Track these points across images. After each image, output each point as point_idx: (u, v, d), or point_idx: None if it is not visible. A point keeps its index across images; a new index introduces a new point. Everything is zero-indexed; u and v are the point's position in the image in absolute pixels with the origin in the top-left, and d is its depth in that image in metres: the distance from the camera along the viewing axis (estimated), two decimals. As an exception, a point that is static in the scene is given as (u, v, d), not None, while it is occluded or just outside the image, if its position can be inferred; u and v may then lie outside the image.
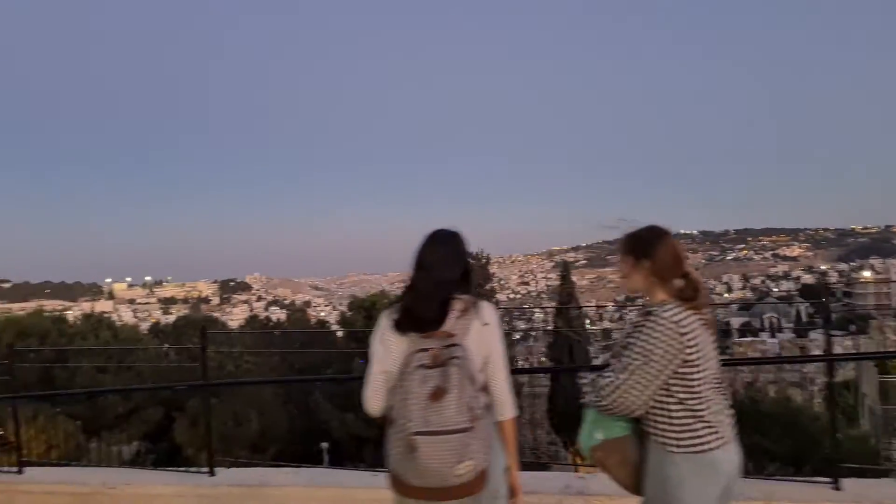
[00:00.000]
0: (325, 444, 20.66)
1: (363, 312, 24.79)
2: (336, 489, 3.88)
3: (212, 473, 4.39)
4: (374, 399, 2.05)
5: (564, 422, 24.85)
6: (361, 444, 21.33)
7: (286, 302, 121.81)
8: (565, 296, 26.40)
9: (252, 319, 36.63)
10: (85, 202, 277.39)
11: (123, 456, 18.45)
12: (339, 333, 27.29)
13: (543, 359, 27.41)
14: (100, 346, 21.39)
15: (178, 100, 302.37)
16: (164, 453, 20.42)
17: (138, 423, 21.64)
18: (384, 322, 2.06)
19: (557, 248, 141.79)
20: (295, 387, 22.65)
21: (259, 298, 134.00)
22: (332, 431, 21.55)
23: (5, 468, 5.12)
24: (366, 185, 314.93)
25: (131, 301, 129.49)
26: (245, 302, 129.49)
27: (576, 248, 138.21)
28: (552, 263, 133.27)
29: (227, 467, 4.61)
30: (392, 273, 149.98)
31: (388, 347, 2.01)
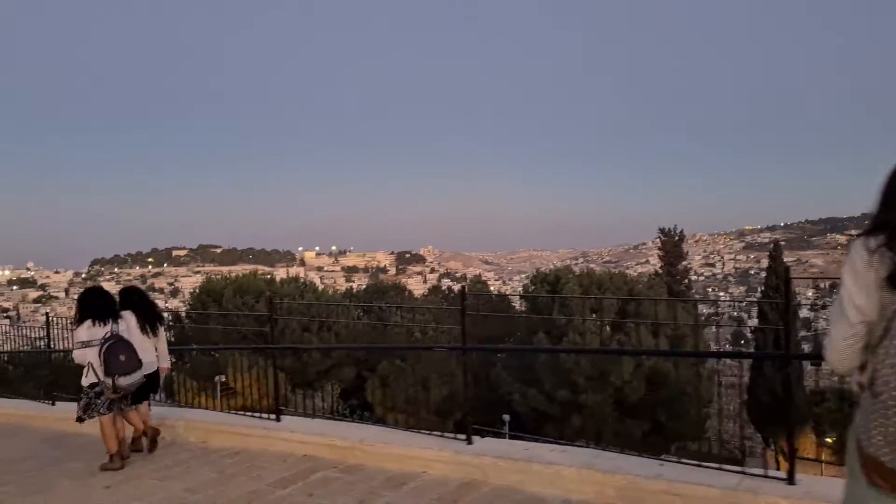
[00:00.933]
0: (506, 416, 20.69)
1: (546, 287, 24.45)
2: (622, 476, 3.42)
3: (469, 441, 4.16)
4: (849, 353, 1.59)
5: (765, 416, 22.54)
6: (543, 420, 21.10)
7: (458, 274, 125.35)
8: (774, 279, 23.72)
9: (434, 290, 37.91)
10: (283, 176, 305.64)
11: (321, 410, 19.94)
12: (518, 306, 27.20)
13: (728, 346, 25.35)
14: (304, 306, 23.14)
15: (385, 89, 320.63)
16: (357, 410, 21.72)
17: (335, 380, 23.28)
18: (862, 255, 1.52)
19: (750, 227, 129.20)
20: (479, 357, 22.92)
21: (432, 270, 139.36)
22: (513, 404, 21.54)
23: (265, 415, 5.34)
24: (535, 163, 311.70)
25: (319, 268, 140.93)
26: (419, 273, 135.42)
27: (772, 228, 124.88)
28: (742, 244, 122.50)
29: (481, 436, 4.37)
30: (563, 250, 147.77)
31: (869, 291, 1.51)
